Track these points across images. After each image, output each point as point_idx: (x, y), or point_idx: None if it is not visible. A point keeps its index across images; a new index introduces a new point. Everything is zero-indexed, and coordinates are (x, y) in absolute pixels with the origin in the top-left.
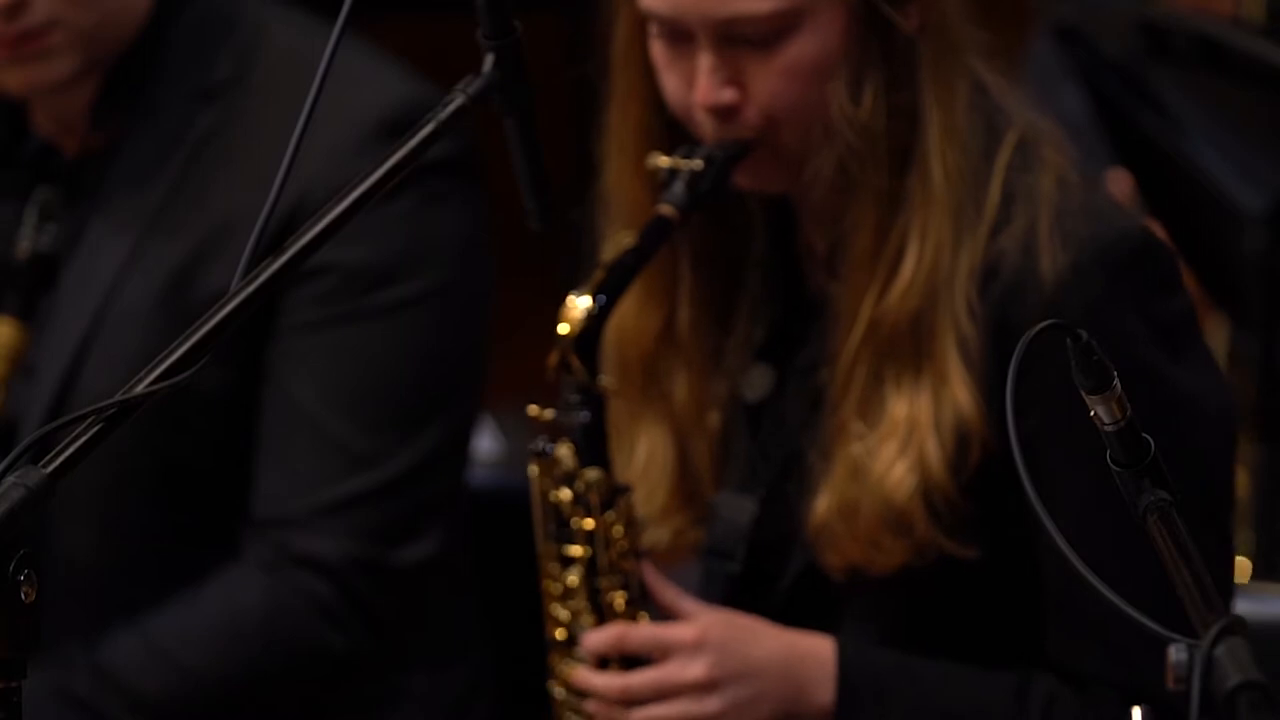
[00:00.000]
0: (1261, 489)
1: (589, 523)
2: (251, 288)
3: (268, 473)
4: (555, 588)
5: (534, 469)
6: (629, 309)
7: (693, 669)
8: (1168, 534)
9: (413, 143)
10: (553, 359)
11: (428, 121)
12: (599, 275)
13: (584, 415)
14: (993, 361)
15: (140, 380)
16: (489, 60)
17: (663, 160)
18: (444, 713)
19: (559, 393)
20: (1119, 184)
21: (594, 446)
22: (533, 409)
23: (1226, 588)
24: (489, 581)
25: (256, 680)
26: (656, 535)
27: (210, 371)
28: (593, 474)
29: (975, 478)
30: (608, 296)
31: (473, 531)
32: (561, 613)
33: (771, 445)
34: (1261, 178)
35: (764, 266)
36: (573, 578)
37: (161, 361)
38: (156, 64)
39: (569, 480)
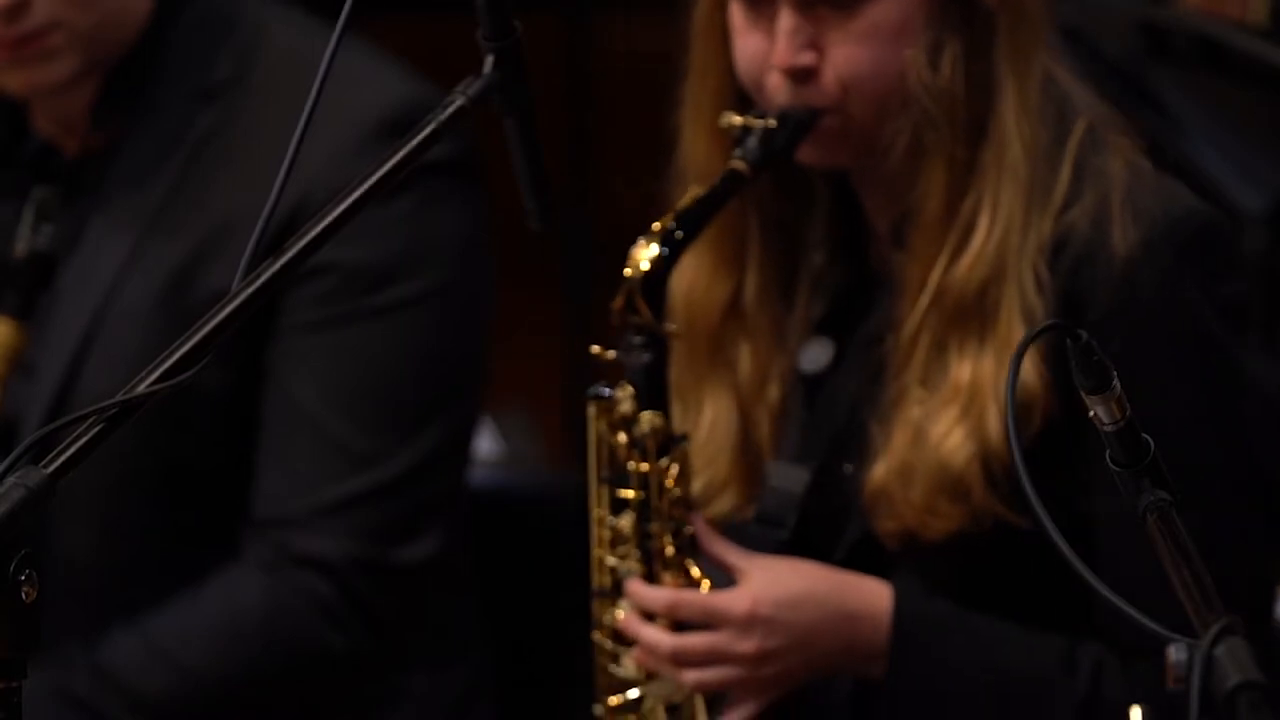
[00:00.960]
0: None
1: (644, 466)
2: (252, 288)
3: (268, 473)
4: (604, 533)
5: (592, 410)
6: (698, 280)
7: (745, 644)
8: (1168, 534)
9: (413, 143)
10: (618, 301)
11: (428, 122)
12: (667, 222)
13: (646, 357)
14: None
15: (141, 380)
16: (489, 61)
17: (736, 119)
18: (444, 713)
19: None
20: None
21: (654, 389)
22: (596, 348)
23: (1267, 570)
24: (489, 581)
25: (256, 680)
26: (716, 506)
27: (211, 372)
28: (651, 418)
29: (1034, 447)
30: (674, 245)
31: (473, 531)
32: (610, 559)
33: (826, 417)
34: (1261, 178)
35: (827, 242)
36: (624, 522)
37: (162, 362)
38: (156, 64)
39: (626, 424)
